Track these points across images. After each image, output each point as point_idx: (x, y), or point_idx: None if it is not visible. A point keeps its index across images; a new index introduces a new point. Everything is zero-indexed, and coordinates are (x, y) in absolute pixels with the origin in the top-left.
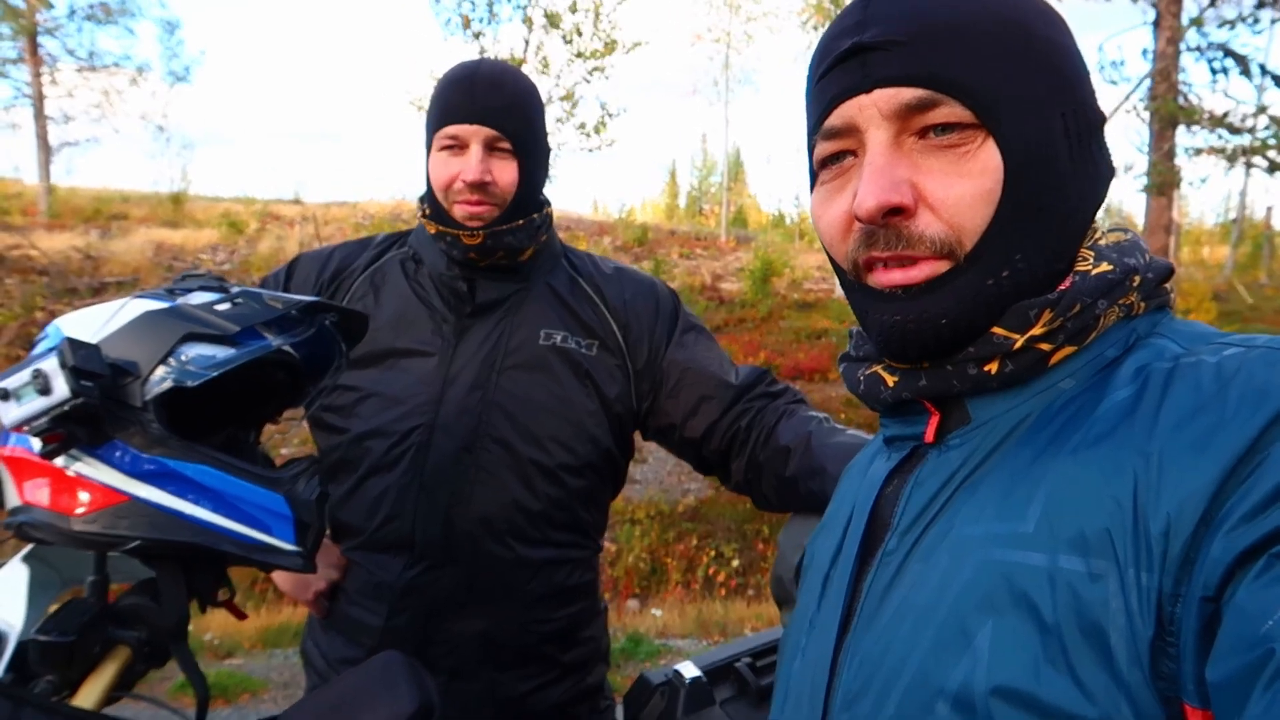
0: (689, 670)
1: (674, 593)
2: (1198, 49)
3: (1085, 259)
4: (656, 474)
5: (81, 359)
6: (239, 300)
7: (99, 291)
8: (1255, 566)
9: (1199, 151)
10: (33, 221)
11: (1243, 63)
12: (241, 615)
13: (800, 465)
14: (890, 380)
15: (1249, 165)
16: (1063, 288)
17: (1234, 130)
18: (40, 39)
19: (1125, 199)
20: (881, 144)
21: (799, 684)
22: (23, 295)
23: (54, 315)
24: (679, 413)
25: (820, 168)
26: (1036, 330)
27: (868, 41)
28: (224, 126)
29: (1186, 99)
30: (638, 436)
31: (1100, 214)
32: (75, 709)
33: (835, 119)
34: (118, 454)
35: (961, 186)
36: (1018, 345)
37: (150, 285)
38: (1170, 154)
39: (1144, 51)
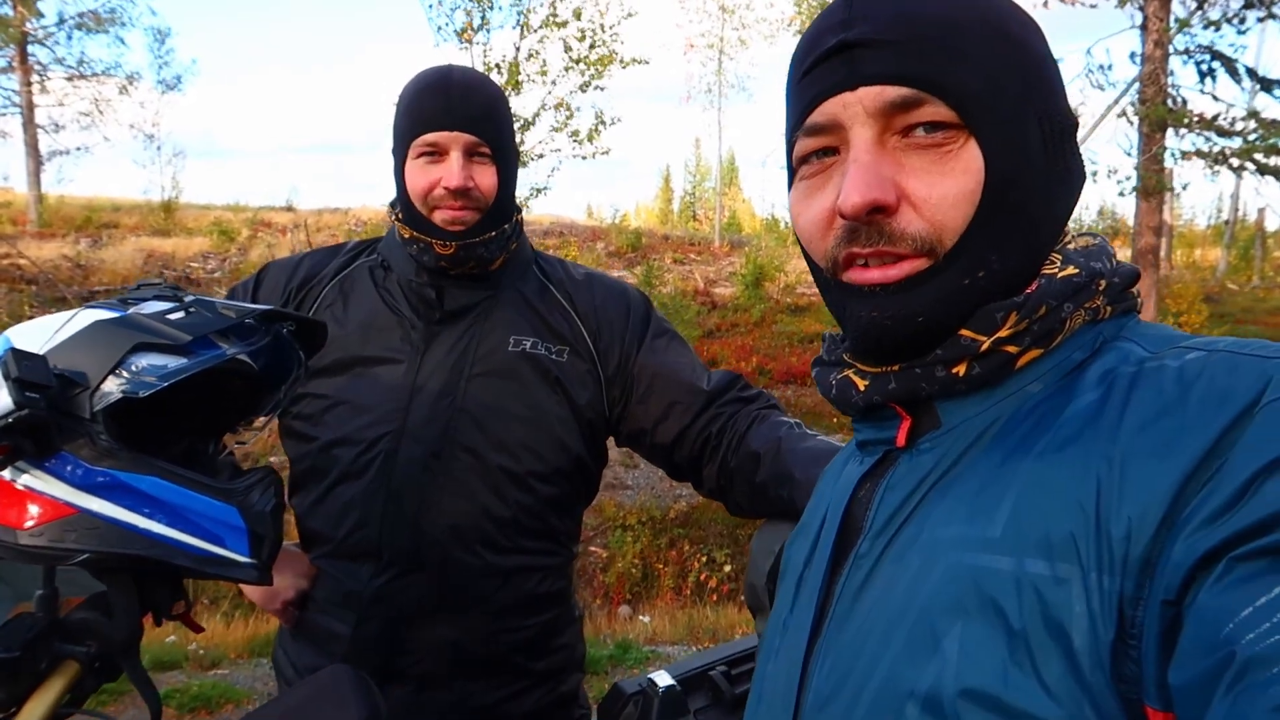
0: (663, 679)
1: (666, 599)
2: (1185, 52)
3: (1052, 262)
4: (648, 479)
5: (26, 370)
6: (192, 309)
7: (88, 300)
8: (1216, 570)
9: (1187, 155)
10: (22, 230)
11: (1230, 65)
12: (197, 628)
13: (770, 471)
14: (861, 384)
15: (1239, 169)
16: (1029, 291)
17: (1223, 133)
18: (29, 47)
19: (1118, 202)
20: (866, 141)
21: (772, 685)
22: (10, 304)
23: None
24: (650, 418)
25: (800, 164)
26: (1003, 333)
27: (853, 39)
28: (221, 137)
29: (1175, 102)
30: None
31: (1093, 217)
32: None
33: (818, 115)
34: (67, 467)
35: (944, 185)
36: (984, 347)
37: None
38: (1159, 157)
39: (1131, 55)
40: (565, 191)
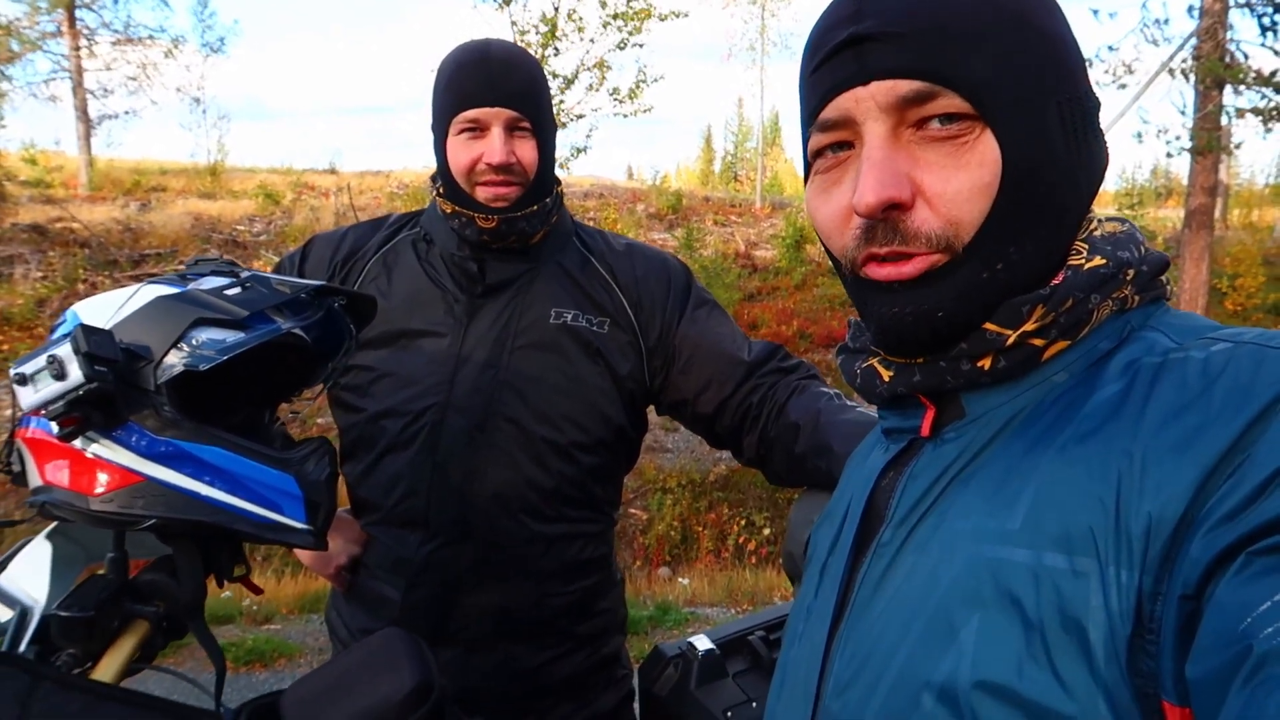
0: (702, 643)
1: (705, 561)
2: (1247, 4)
3: (1079, 253)
4: (688, 443)
5: (94, 345)
6: (249, 285)
7: (139, 263)
8: (1234, 564)
9: (1241, 112)
10: (74, 194)
11: None
12: (257, 590)
13: (809, 443)
14: (886, 374)
15: None
16: (1055, 283)
17: None
18: (78, 12)
19: (1172, 161)
20: (880, 137)
21: (794, 670)
22: (65, 267)
23: (95, 287)
24: (691, 388)
25: (815, 158)
26: (1029, 326)
27: (864, 32)
28: (265, 100)
29: (1233, 57)
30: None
31: (1145, 176)
32: (92, 682)
33: (831, 111)
34: (133, 436)
35: (959, 179)
36: (1010, 341)
37: (188, 256)
38: (1214, 115)
39: (1189, 9)
40: (605, 152)
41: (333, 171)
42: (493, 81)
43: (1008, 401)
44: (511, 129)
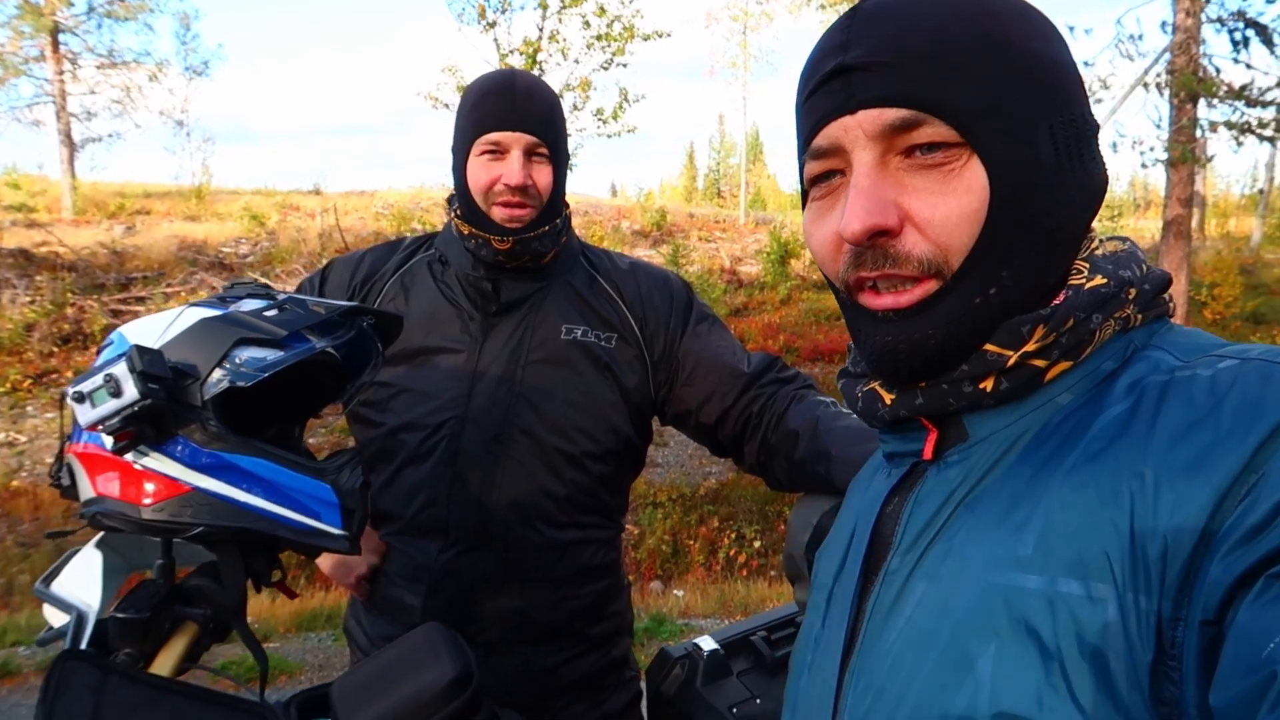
0: (707, 643)
1: (696, 574)
2: (1219, 20)
3: (1079, 272)
4: (678, 457)
5: (148, 363)
6: (286, 307)
7: (126, 286)
8: (1254, 588)
9: (1214, 125)
10: (57, 218)
11: (1264, 32)
12: (292, 594)
13: (808, 449)
14: (888, 398)
15: (1270, 139)
16: (1056, 303)
17: (1251, 103)
18: (61, 36)
19: (1150, 173)
20: (867, 165)
21: (806, 702)
22: (53, 291)
23: (83, 311)
24: (694, 400)
25: (810, 185)
26: (1030, 347)
27: (851, 62)
28: (249, 122)
29: (1206, 72)
30: (656, 421)
31: (1124, 188)
32: (154, 676)
33: (822, 139)
34: (181, 449)
35: (947, 206)
36: (1011, 362)
37: (175, 279)
38: (1188, 128)
39: (1163, 24)
40: (589, 170)
41: (317, 192)
42: (516, 108)
43: (1011, 423)
44: (530, 154)
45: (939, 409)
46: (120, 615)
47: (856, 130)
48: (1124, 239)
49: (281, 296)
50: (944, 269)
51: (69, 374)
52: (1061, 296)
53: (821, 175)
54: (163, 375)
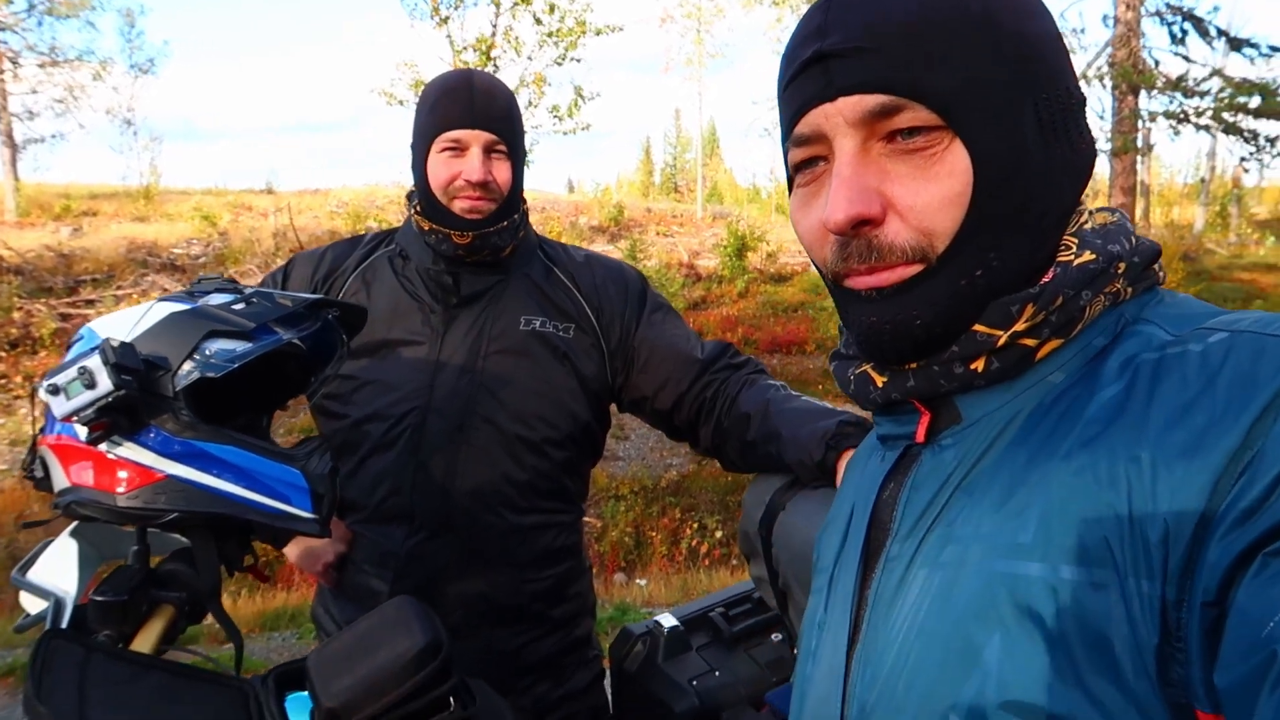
0: (668, 620)
1: (659, 565)
2: (1157, 13)
3: (1068, 247)
4: (639, 450)
5: (121, 356)
6: (253, 300)
7: (74, 289)
8: (1252, 567)
9: (1154, 116)
10: (0, 221)
11: (1200, 25)
12: (264, 578)
13: (760, 431)
14: (880, 380)
15: (1206, 128)
16: (1044, 280)
17: (1189, 93)
18: (1, 34)
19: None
20: (848, 153)
21: (815, 690)
22: None
23: (31, 315)
24: (650, 386)
25: (795, 172)
26: (1019, 326)
27: (829, 49)
28: (198, 120)
29: (1145, 64)
30: (616, 412)
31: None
32: (136, 653)
33: (804, 127)
34: (154, 438)
35: (929, 191)
36: (1001, 342)
37: (126, 281)
38: (1130, 119)
39: (1104, 18)
40: (546, 167)
41: (270, 192)
42: (475, 107)
43: (1004, 404)
44: (489, 151)
45: (931, 390)
46: (99, 598)
47: (837, 117)
48: (1114, 210)
49: (249, 290)
50: (929, 253)
51: (18, 379)
52: (1050, 274)
53: (805, 162)
54: (135, 367)
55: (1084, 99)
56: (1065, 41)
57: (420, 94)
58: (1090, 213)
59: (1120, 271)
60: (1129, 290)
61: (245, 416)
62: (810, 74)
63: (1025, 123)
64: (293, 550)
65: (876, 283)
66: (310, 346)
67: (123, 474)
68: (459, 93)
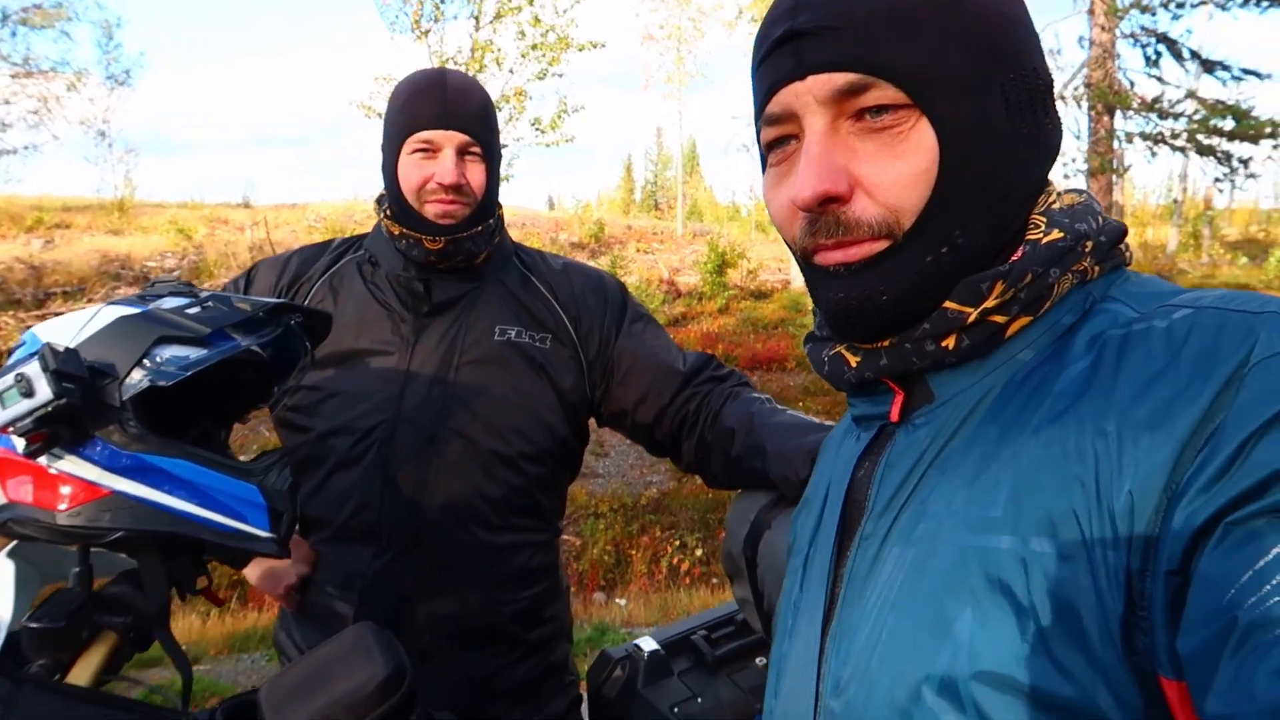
0: (648, 644)
1: (639, 583)
2: (1132, 36)
3: (1037, 226)
4: (619, 467)
5: (62, 362)
6: (209, 304)
7: (44, 302)
8: (1214, 536)
9: (1129, 137)
10: None
11: (1174, 48)
12: (219, 601)
13: (744, 445)
14: (853, 360)
15: (1180, 150)
16: (1014, 259)
17: (1164, 115)
18: None
19: (1069, 184)
20: (817, 131)
21: (790, 667)
22: None
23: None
24: (630, 399)
25: (768, 151)
26: (989, 303)
27: (799, 27)
28: (174, 133)
29: (1121, 85)
30: (595, 429)
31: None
32: (69, 686)
33: (775, 105)
34: (99, 451)
35: (896, 168)
36: (971, 319)
37: (97, 294)
38: (1108, 139)
39: (1080, 39)
40: (526, 183)
41: (247, 205)
42: (448, 106)
43: (976, 382)
44: (463, 152)
45: (903, 369)
46: (34, 625)
47: (807, 95)
48: (1081, 191)
49: (204, 294)
50: (895, 229)
51: None
52: (1019, 252)
53: (777, 141)
54: (78, 374)
55: (1051, 80)
56: (1033, 24)
57: (391, 93)
58: (1058, 193)
59: (1088, 250)
60: (1096, 269)
61: (201, 428)
62: (781, 53)
63: (992, 102)
64: (252, 571)
65: (844, 258)
66: (271, 354)
67: (64, 489)
68: (431, 91)
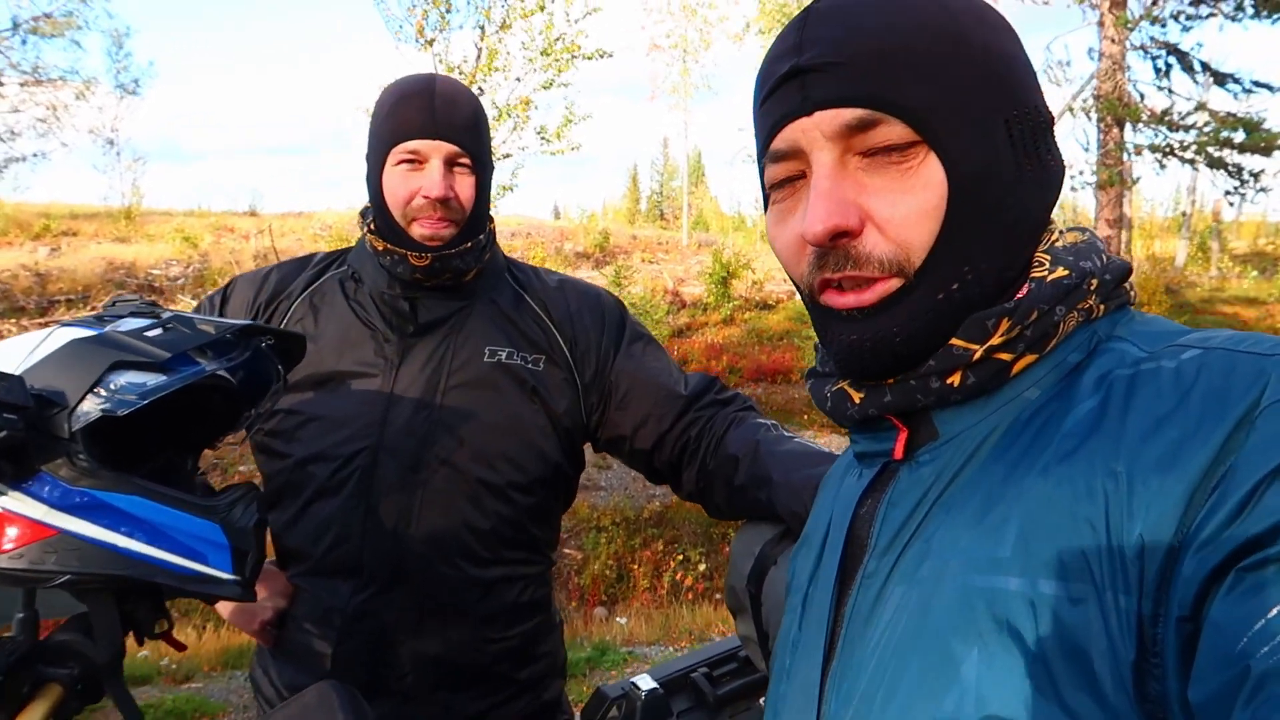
0: (645, 682)
1: (641, 599)
2: (1142, 47)
3: (1041, 264)
4: (621, 480)
5: (3, 391)
6: (170, 326)
7: (47, 309)
8: (1226, 582)
9: (1139, 149)
10: None
11: (1184, 60)
12: (180, 647)
13: (749, 474)
14: (856, 396)
15: (1190, 162)
16: (1019, 296)
17: (1174, 127)
18: None
19: (1079, 195)
20: (826, 166)
21: (788, 710)
22: None
23: (1, 335)
24: (629, 424)
25: (772, 189)
26: (995, 340)
27: (805, 64)
28: (183, 141)
29: (1130, 97)
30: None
31: (1055, 209)
32: None
33: (780, 142)
34: (45, 487)
35: (906, 204)
36: (977, 356)
37: (101, 302)
38: (1115, 152)
39: (1090, 51)
40: (532, 191)
41: (253, 213)
42: (436, 114)
43: (981, 420)
44: (451, 164)
45: (908, 406)
46: None
47: (814, 132)
48: (1083, 229)
49: (166, 315)
50: (906, 267)
51: None
52: (1025, 289)
53: (782, 178)
54: (22, 404)
55: (1052, 118)
56: (1031, 63)
57: (377, 99)
58: (1061, 231)
59: (1093, 288)
60: (1101, 307)
61: (163, 458)
62: (787, 89)
63: (997, 138)
64: (225, 606)
65: (858, 302)
66: (241, 379)
67: (11, 530)
68: (418, 99)
